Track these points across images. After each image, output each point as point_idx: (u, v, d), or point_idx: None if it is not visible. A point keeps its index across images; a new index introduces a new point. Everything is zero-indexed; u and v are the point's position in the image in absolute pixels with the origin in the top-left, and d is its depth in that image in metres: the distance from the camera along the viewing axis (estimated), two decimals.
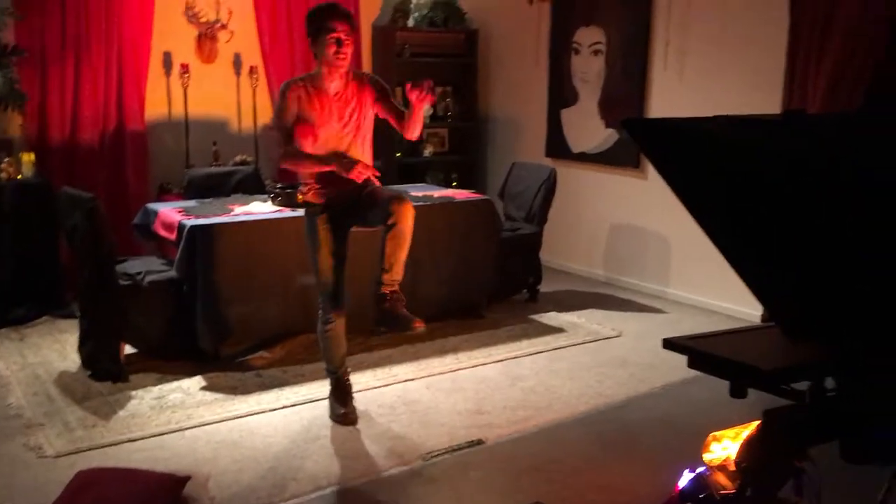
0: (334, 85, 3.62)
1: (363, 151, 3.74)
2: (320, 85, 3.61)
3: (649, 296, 6.02)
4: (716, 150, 1.67)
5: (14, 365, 4.45)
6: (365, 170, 3.58)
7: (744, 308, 5.47)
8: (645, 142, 1.89)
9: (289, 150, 3.62)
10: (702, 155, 1.70)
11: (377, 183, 3.74)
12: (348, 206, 3.70)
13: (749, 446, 2.71)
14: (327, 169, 3.61)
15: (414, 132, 3.71)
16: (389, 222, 3.52)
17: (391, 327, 3.63)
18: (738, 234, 1.88)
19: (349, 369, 3.96)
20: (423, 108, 3.61)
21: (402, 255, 3.58)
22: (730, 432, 2.85)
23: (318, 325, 3.84)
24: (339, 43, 3.51)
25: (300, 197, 4.68)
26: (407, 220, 3.54)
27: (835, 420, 2.16)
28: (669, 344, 2.42)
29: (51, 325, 5.12)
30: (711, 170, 1.72)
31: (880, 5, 4.76)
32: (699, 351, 2.35)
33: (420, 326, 3.55)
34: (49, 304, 5.28)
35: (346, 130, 3.66)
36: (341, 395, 3.88)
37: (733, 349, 2.34)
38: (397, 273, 3.61)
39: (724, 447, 2.83)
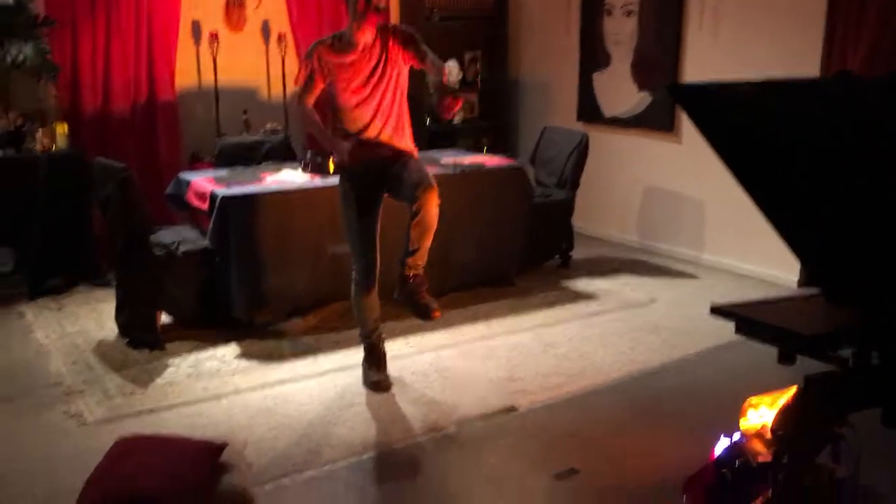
0: (363, 41, 3.55)
1: (397, 115, 3.67)
2: (349, 41, 3.57)
3: (683, 261, 5.96)
4: (762, 113, 1.62)
5: (53, 334, 4.52)
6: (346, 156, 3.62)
7: (779, 272, 5.40)
8: (689, 107, 1.85)
9: (301, 108, 3.71)
10: (748, 118, 1.66)
11: (413, 154, 3.72)
12: (380, 172, 3.68)
13: (786, 413, 2.68)
14: (329, 146, 3.74)
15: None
16: (414, 208, 3.54)
17: (411, 310, 3.65)
18: (784, 198, 1.83)
19: (383, 336, 3.97)
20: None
21: (427, 242, 3.62)
22: (766, 399, 2.82)
23: (352, 290, 3.85)
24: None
25: (331, 165, 4.70)
26: (432, 208, 3.55)
27: (876, 387, 2.13)
28: (717, 310, 2.40)
29: (87, 294, 5.20)
30: (758, 133, 1.67)
31: None
32: (746, 317, 2.33)
33: (437, 315, 3.60)
34: (85, 274, 5.35)
35: (374, 88, 3.59)
36: (375, 361, 3.90)
37: (779, 316, 2.32)
38: (421, 258, 3.64)
39: (761, 414, 2.81)
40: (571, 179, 5.67)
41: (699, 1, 5.66)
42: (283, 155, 5.37)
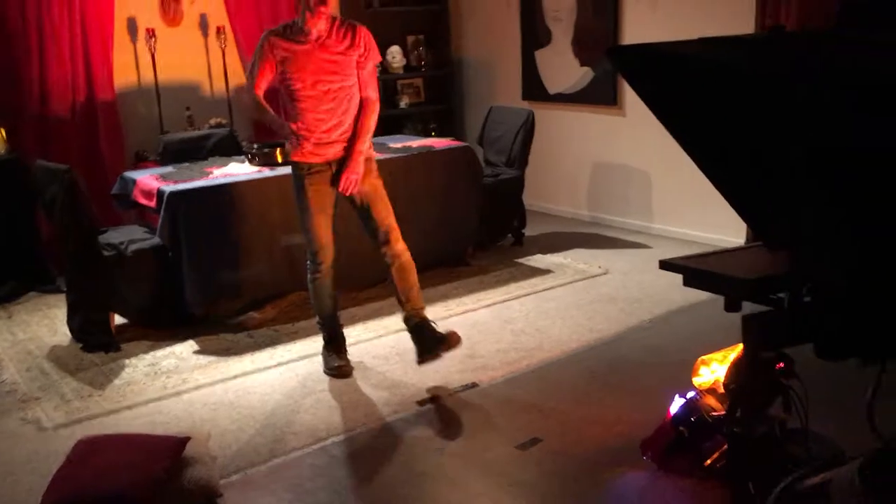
0: (316, 29, 3.52)
1: (349, 109, 3.64)
2: (301, 30, 3.54)
3: (634, 232, 6.06)
4: (700, 71, 1.67)
5: (4, 342, 4.44)
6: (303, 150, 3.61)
7: (726, 237, 5.51)
8: (627, 70, 1.89)
9: (251, 97, 3.65)
10: (686, 78, 1.70)
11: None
12: (337, 171, 3.66)
13: (736, 368, 2.77)
14: (281, 132, 3.66)
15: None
16: (387, 259, 3.70)
17: (436, 352, 3.68)
18: (723, 155, 1.88)
19: (341, 321, 3.98)
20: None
21: (413, 280, 3.74)
22: (717, 356, 2.91)
23: (308, 276, 3.84)
24: None
25: (279, 156, 4.68)
26: (403, 252, 3.72)
27: (807, 322, 2.22)
28: (666, 265, 2.50)
29: (38, 300, 5.10)
30: (695, 92, 1.72)
31: None
32: (692, 268, 2.44)
33: (458, 340, 3.68)
34: (34, 280, 5.25)
35: (327, 81, 3.56)
36: (335, 347, 3.91)
37: (722, 265, 2.42)
38: (417, 300, 3.75)
39: (713, 370, 2.89)
40: (520, 158, 5.71)
41: None
42: (229, 149, 5.32)
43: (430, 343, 3.69)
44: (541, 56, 6.55)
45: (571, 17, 6.21)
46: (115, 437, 3.00)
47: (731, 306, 2.33)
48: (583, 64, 6.22)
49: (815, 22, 4.92)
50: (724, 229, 5.53)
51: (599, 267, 5.25)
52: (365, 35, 3.66)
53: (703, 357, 2.91)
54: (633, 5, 5.80)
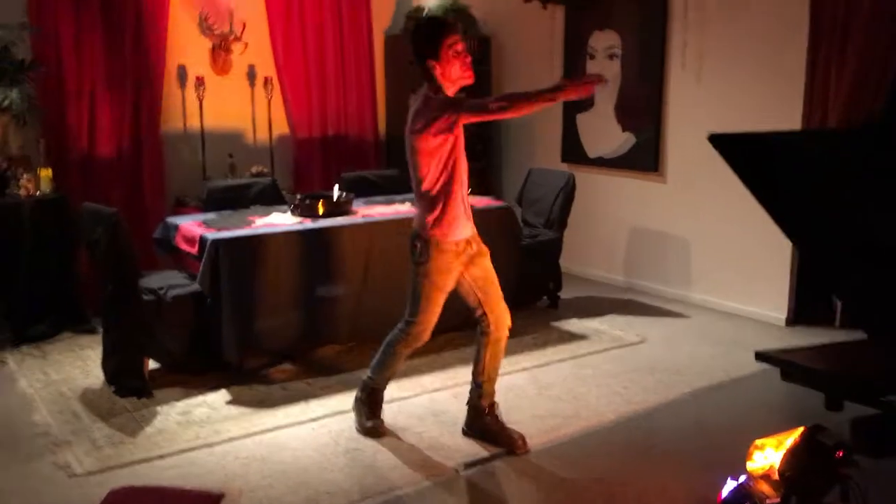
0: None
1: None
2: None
3: (671, 300, 5.98)
4: (801, 159, 1.65)
5: (37, 383, 4.42)
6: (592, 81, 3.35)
7: (766, 311, 5.44)
8: (729, 154, 1.87)
9: (507, 96, 3.44)
10: (784, 163, 1.68)
11: None
12: (469, 253, 3.56)
13: (793, 454, 2.68)
14: (556, 96, 3.36)
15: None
16: (490, 329, 3.60)
17: (493, 443, 3.65)
18: (823, 239, 1.84)
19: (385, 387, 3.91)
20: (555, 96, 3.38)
21: (500, 363, 3.70)
22: (772, 441, 2.82)
23: (395, 336, 3.69)
24: (464, 56, 3.37)
25: (321, 207, 4.69)
26: (507, 329, 3.65)
27: None
28: (763, 357, 2.37)
29: (71, 341, 5.10)
30: (803, 179, 1.69)
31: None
32: (792, 363, 2.30)
33: (525, 448, 3.60)
34: (69, 320, 5.25)
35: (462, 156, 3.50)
36: (372, 407, 3.83)
37: (826, 361, 2.30)
38: (495, 382, 3.70)
39: (766, 456, 2.80)
40: (559, 220, 5.69)
41: (681, 43, 5.76)
42: (271, 198, 5.34)
43: (489, 433, 3.67)
44: (582, 120, 6.57)
45: (616, 84, 6.23)
46: (149, 490, 2.94)
47: (833, 405, 2.20)
48: (625, 129, 6.23)
49: (864, 100, 4.91)
50: (765, 303, 5.45)
51: (636, 335, 5.17)
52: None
53: (757, 441, 2.82)
54: (679, 75, 5.82)
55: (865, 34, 4.80)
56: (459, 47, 3.37)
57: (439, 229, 3.47)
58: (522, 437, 3.65)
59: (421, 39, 3.43)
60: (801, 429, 2.71)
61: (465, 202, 3.53)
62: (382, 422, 3.85)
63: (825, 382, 2.13)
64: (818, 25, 4.99)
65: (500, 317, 3.65)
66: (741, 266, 5.58)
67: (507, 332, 3.70)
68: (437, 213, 3.46)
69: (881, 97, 4.91)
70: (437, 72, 3.38)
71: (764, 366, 4.57)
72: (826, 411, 2.47)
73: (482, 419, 3.72)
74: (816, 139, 1.76)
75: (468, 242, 3.56)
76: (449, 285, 3.56)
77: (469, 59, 3.40)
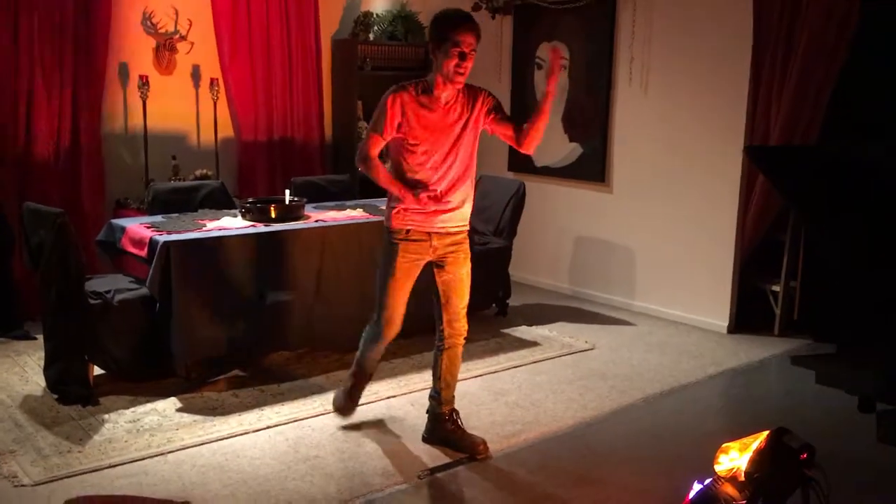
0: (445, 95, 3.42)
1: (465, 169, 3.54)
2: (431, 93, 3.43)
3: (616, 308, 6.07)
4: (850, 169, 1.68)
5: None
6: (432, 202, 3.44)
7: (709, 319, 5.57)
8: (765, 165, 1.90)
9: (366, 155, 3.46)
10: (834, 175, 1.72)
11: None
12: (436, 248, 3.55)
13: (760, 456, 2.74)
14: (398, 193, 3.45)
15: (535, 139, 3.52)
16: (447, 344, 3.66)
17: (455, 449, 3.64)
18: (864, 243, 1.89)
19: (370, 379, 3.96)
20: (552, 99, 3.44)
21: (458, 370, 3.72)
22: (736, 444, 2.87)
23: (367, 333, 3.74)
24: (462, 57, 3.32)
25: (273, 211, 4.62)
26: (462, 342, 3.72)
27: None
28: (798, 360, 2.35)
29: (7, 346, 4.88)
30: (841, 187, 1.73)
31: (836, 24, 4.94)
32: (828, 367, 2.29)
33: (486, 453, 3.61)
34: (3, 326, 5.03)
35: (452, 144, 3.46)
36: (353, 393, 3.86)
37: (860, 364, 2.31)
38: (454, 389, 3.72)
39: (732, 458, 2.85)
40: (509, 228, 5.72)
41: (628, 57, 5.88)
42: (219, 201, 5.22)
43: (450, 439, 3.67)
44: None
45: (563, 94, 6.31)
46: (109, 500, 2.83)
47: (865, 407, 2.21)
48: (572, 140, 6.32)
49: (804, 115, 5.09)
50: (707, 311, 5.59)
51: (586, 342, 5.24)
52: (487, 93, 3.57)
53: (724, 445, 2.88)
54: (625, 87, 5.94)
55: (807, 49, 4.99)
56: (461, 48, 3.31)
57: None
58: (484, 442, 3.65)
59: (434, 25, 3.43)
60: (766, 432, 2.78)
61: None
62: (354, 407, 3.89)
63: (862, 385, 2.13)
64: (761, 41, 5.16)
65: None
66: (685, 275, 5.72)
67: (462, 341, 3.73)
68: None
69: (820, 113, 5.11)
70: (434, 59, 3.41)
71: (711, 372, 4.72)
72: (780, 414, 2.51)
73: (443, 426, 3.71)
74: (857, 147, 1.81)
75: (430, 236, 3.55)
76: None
77: (467, 62, 3.34)
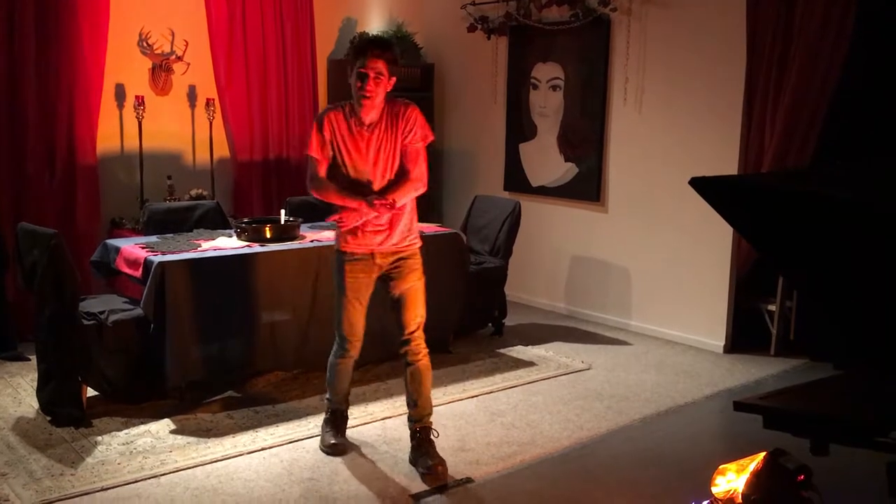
0: (370, 116, 3.54)
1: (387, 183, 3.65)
2: (356, 114, 3.56)
3: (612, 328, 6.06)
4: (781, 201, 1.68)
5: None
6: (384, 207, 3.51)
7: (706, 339, 5.57)
8: (711, 196, 1.90)
9: (315, 178, 3.59)
10: (780, 209, 1.72)
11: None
12: (381, 264, 3.66)
13: (757, 478, 2.73)
14: (353, 205, 3.55)
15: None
16: (408, 359, 3.72)
17: (420, 467, 3.65)
18: (822, 275, 1.88)
19: (348, 403, 3.98)
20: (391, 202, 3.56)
21: (427, 386, 3.74)
22: (733, 466, 2.86)
23: (331, 357, 3.84)
24: (363, 78, 3.45)
25: (268, 231, 4.62)
26: (425, 357, 3.74)
27: None
28: (742, 406, 2.29)
29: None
30: (791, 221, 1.73)
31: (829, 46, 4.97)
32: (776, 410, 2.23)
33: (442, 478, 3.57)
34: None
35: (377, 163, 3.58)
36: (337, 425, 3.88)
37: (816, 403, 2.25)
38: (425, 407, 3.74)
39: (729, 480, 2.84)
40: (504, 247, 5.73)
41: (623, 77, 5.91)
42: (214, 221, 5.22)
43: (422, 461, 3.66)
44: (525, 149, 6.65)
45: (558, 115, 6.34)
46: None
47: (819, 450, 2.14)
48: (567, 160, 6.33)
49: (799, 129, 5.11)
50: (703, 331, 5.59)
51: (582, 362, 5.22)
52: (412, 115, 3.64)
53: (721, 466, 2.87)
54: (620, 108, 5.96)
55: (801, 70, 5.02)
56: (364, 70, 3.45)
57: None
58: (443, 464, 3.62)
59: (349, 50, 3.66)
60: (762, 453, 2.76)
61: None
62: (345, 442, 3.86)
63: (815, 428, 2.07)
64: (755, 62, 5.19)
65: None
66: (680, 295, 5.72)
67: (420, 357, 3.75)
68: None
69: (814, 134, 5.13)
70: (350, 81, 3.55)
71: (708, 392, 4.71)
72: (776, 435, 2.43)
73: (411, 443, 3.73)
74: (786, 178, 1.80)
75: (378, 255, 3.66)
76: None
77: (370, 84, 3.45)
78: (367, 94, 3.45)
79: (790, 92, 5.07)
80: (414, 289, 3.72)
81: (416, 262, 3.73)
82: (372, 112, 3.53)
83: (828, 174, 1.98)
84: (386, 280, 3.71)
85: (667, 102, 5.68)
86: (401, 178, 3.62)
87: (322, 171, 3.59)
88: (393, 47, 3.58)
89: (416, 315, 3.72)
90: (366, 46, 3.49)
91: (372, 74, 3.44)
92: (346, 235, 3.63)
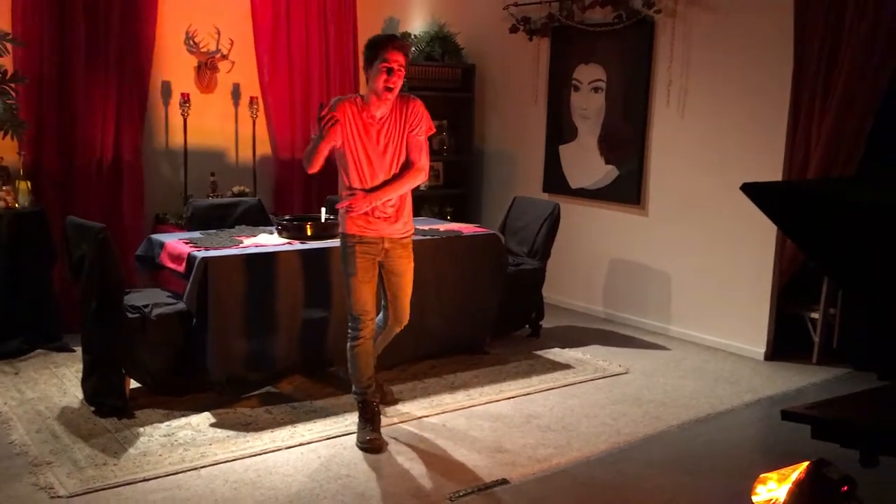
0: (381, 111, 3.75)
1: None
2: (367, 108, 3.75)
3: (650, 332, 6.02)
4: (832, 207, 1.66)
5: (12, 401, 4.28)
6: (362, 203, 3.74)
7: (746, 345, 5.50)
8: (763, 203, 1.88)
9: (310, 152, 3.77)
10: (823, 213, 1.70)
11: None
12: (384, 249, 3.85)
13: (799, 488, 2.69)
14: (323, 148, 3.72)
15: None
16: (387, 325, 4.07)
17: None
18: (871, 280, 1.86)
19: (377, 394, 4.05)
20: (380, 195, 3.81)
21: (383, 345, 4.19)
22: (774, 475, 2.83)
23: (347, 345, 3.92)
24: (389, 72, 3.62)
25: (309, 229, 4.68)
26: (401, 327, 4.09)
27: None
28: (790, 415, 2.24)
29: (46, 358, 4.96)
30: (842, 227, 1.71)
31: (879, 50, 4.88)
32: (824, 420, 2.18)
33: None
34: (43, 337, 5.11)
35: (385, 154, 3.78)
36: (369, 419, 3.91)
37: (867, 414, 2.20)
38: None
39: (770, 489, 2.81)
40: (543, 249, 5.71)
41: (666, 80, 5.86)
42: (256, 218, 5.28)
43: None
44: (565, 151, 6.63)
45: (599, 117, 6.31)
46: None
47: (868, 462, 2.09)
48: (607, 162, 6.30)
49: (846, 135, 5.02)
50: (744, 338, 5.52)
51: (620, 366, 5.19)
52: (418, 108, 3.84)
53: (762, 475, 2.83)
54: (663, 111, 5.91)
55: (849, 75, 4.93)
56: (388, 64, 3.62)
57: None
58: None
59: (366, 47, 3.77)
60: (805, 463, 2.73)
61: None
62: (380, 436, 3.90)
63: (866, 439, 2.02)
64: (802, 66, 5.11)
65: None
66: (721, 300, 5.65)
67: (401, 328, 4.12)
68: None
69: (861, 143, 5.04)
70: (367, 77, 3.75)
71: (748, 399, 4.65)
72: (819, 445, 2.39)
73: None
74: (837, 185, 1.78)
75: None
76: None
77: (394, 78, 3.64)
78: (392, 86, 3.65)
79: (838, 96, 4.98)
80: (408, 275, 3.96)
81: (411, 249, 3.97)
82: (384, 106, 3.72)
83: (880, 182, 1.95)
84: (382, 264, 3.90)
85: (710, 106, 5.62)
86: (405, 169, 3.82)
87: (320, 163, 3.77)
88: (407, 42, 3.82)
89: (408, 305, 4.00)
90: (385, 41, 3.69)
91: (396, 67, 3.62)
92: (356, 220, 3.79)
